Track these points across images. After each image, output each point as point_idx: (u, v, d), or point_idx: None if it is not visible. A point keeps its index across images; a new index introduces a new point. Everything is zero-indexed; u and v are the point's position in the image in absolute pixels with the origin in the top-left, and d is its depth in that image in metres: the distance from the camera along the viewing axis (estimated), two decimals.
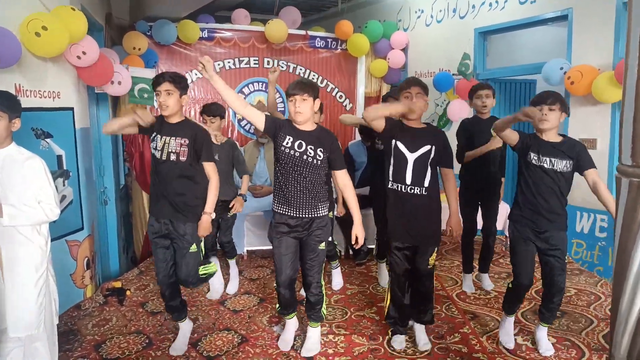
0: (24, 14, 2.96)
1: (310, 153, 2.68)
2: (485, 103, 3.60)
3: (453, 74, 5.44)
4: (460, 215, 2.96)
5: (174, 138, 2.80)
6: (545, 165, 2.61)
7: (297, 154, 2.68)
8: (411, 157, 2.74)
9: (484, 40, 5.39)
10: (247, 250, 4.85)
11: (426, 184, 2.76)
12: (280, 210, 2.79)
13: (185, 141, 2.80)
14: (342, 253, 4.85)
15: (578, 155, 2.60)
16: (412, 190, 2.75)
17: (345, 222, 4.69)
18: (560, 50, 4.62)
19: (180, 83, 2.80)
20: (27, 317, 2.31)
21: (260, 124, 2.70)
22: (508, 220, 2.91)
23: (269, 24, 5.58)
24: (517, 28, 5.09)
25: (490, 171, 3.67)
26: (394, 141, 2.76)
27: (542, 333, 2.91)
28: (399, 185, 2.77)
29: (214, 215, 2.95)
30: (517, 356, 2.86)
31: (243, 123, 5.87)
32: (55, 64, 3.33)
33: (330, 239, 3.47)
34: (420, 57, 6.12)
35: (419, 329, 3.00)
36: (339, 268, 4.09)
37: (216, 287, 3.87)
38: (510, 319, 3.00)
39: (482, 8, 5.27)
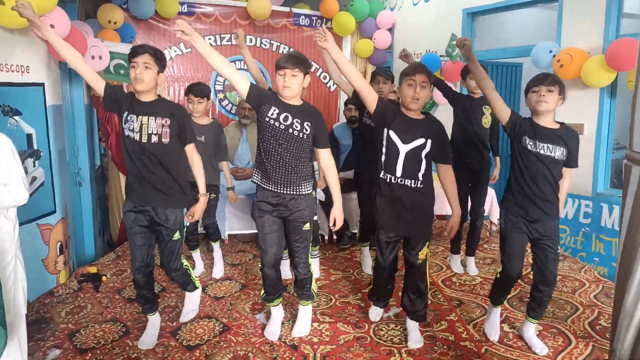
0: None
1: (296, 127, 2.56)
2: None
3: (440, 56, 5.34)
4: (446, 208, 2.90)
5: (153, 118, 2.57)
6: (542, 152, 2.50)
7: (282, 127, 2.55)
8: (403, 148, 2.59)
9: (472, 21, 5.28)
10: (228, 235, 4.73)
11: (420, 177, 2.63)
12: (263, 184, 2.68)
13: (166, 121, 2.59)
14: (326, 238, 4.78)
15: (572, 148, 2.53)
16: (402, 182, 2.63)
17: (329, 206, 4.59)
18: (550, 33, 4.55)
19: (160, 59, 2.59)
20: None
21: (244, 92, 2.55)
22: (498, 207, 2.83)
23: None
24: (507, 9, 4.98)
25: (480, 152, 3.61)
26: (386, 130, 2.62)
27: (531, 331, 2.81)
28: (390, 176, 2.65)
29: (207, 195, 2.82)
30: (503, 344, 2.82)
31: (224, 103, 5.69)
32: (23, 37, 3.12)
33: (315, 218, 3.39)
34: (407, 38, 5.99)
35: (412, 326, 2.88)
36: (318, 258, 3.98)
37: (198, 270, 3.82)
38: (497, 310, 2.91)
39: None
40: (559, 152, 2.50)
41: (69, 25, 3.27)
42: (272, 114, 2.55)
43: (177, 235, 2.74)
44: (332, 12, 5.84)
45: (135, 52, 2.54)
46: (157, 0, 5.04)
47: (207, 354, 2.71)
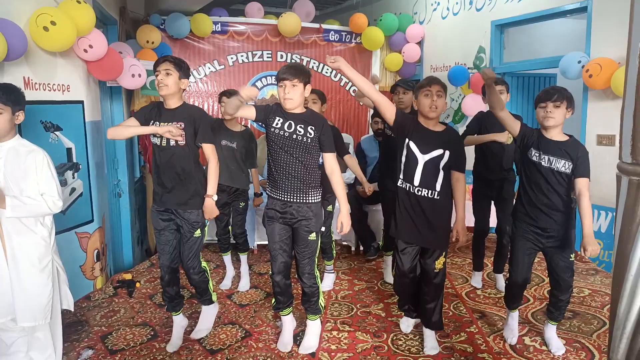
0: (32, 7, 2.99)
1: (300, 131, 2.64)
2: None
3: (469, 68, 5.33)
4: (467, 220, 2.91)
5: (170, 124, 2.75)
6: (543, 163, 2.55)
7: (286, 134, 2.64)
8: (422, 158, 2.66)
9: (500, 33, 5.26)
10: (257, 245, 4.86)
11: (438, 187, 2.67)
12: (271, 193, 2.78)
13: (181, 125, 2.75)
14: (353, 249, 4.83)
15: (578, 159, 2.52)
16: (420, 192, 2.68)
17: (355, 218, 4.65)
18: (580, 43, 4.48)
19: (180, 65, 2.77)
20: (35, 307, 2.34)
21: (252, 115, 2.68)
22: (510, 218, 2.85)
23: (282, 17, 5.55)
24: (535, 20, 4.95)
25: (504, 168, 3.59)
26: (406, 140, 2.69)
27: (552, 332, 2.84)
28: (408, 185, 2.71)
29: (216, 197, 2.90)
30: (523, 357, 2.79)
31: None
32: (64, 58, 3.36)
33: (323, 230, 3.43)
34: (436, 51, 6.02)
35: (428, 333, 2.91)
36: (334, 274, 4.01)
37: (229, 275, 4.02)
38: (514, 315, 2.94)
39: (499, 0, 5.14)
40: (560, 164, 2.52)
41: (106, 46, 3.49)
42: (277, 124, 2.65)
43: (197, 233, 2.88)
44: (361, 27, 5.94)
45: (157, 62, 2.76)
46: (192, 20, 5.28)
47: (228, 358, 2.81)
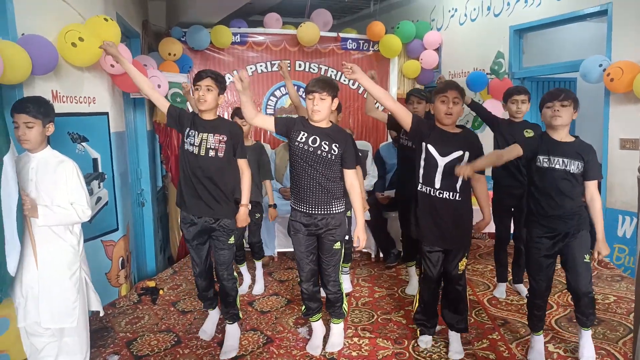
0: (61, 24, 3.10)
1: (324, 148, 2.69)
2: (520, 108, 3.52)
3: (487, 74, 5.32)
4: (489, 227, 2.92)
5: (212, 135, 2.84)
6: (558, 167, 2.53)
7: (311, 149, 2.69)
8: (442, 161, 2.68)
9: (519, 38, 5.25)
10: (277, 252, 4.90)
11: (458, 189, 2.70)
12: (295, 206, 2.83)
13: (223, 138, 2.85)
14: (373, 256, 4.84)
15: (589, 160, 2.51)
16: (442, 195, 2.70)
17: (375, 225, 4.67)
18: (600, 46, 4.45)
19: (220, 82, 2.87)
20: (62, 310, 2.41)
21: (271, 127, 2.76)
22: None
23: (301, 27, 5.63)
24: (554, 25, 4.92)
25: (520, 177, 3.56)
26: (424, 144, 2.71)
27: (585, 339, 2.72)
28: (429, 188, 2.73)
29: (249, 207, 3.02)
30: None
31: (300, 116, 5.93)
32: (90, 71, 3.47)
33: (347, 237, 3.48)
34: (454, 57, 6.02)
35: (454, 337, 2.92)
36: (348, 275, 4.07)
37: (246, 283, 4.07)
38: (539, 338, 2.81)
39: (517, 5, 5.13)
40: (574, 166, 2.52)
41: (130, 59, 3.59)
42: (301, 138, 2.71)
43: (231, 240, 2.96)
44: (378, 35, 5.98)
45: (199, 76, 2.84)
46: (212, 32, 5.39)
47: None
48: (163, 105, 2.94)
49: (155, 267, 4.97)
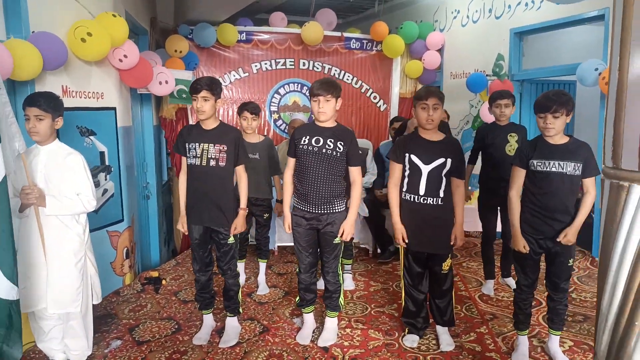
0: (71, 20, 3.23)
1: (329, 145, 2.82)
2: (504, 112, 3.64)
3: (487, 75, 5.40)
4: (475, 226, 2.99)
5: (212, 145, 2.92)
6: (554, 170, 2.57)
7: (315, 149, 2.82)
8: (425, 169, 2.80)
9: (519, 41, 5.33)
10: (277, 246, 5.02)
11: (441, 194, 2.81)
12: (298, 204, 2.94)
13: (224, 147, 2.93)
14: (370, 251, 4.95)
15: (586, 159, 2.56)
16: (426, 201, 2.82)
17: (373, 222, 4.78)
18: (598, 50, 4.52)
19: (215, 89, 2.93)
20: (67, 296, 2.55)
21: (293, 162, 2.96)
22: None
23: (305, 26, 5.72)
24: (553, 28, 5.00)
25: (505, 177, 3.66)
26: (407, 154, 2.83)
27: (555, 345, 2.83)
28: (413, 196, 2.84)
29: (247, 210, 3.08)
30: (531, 357, 2.86)
31: (279, 123, 6.04)
32: (99, 67, 3.60)
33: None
34: (456, 58, 6.11)
35: (442, 331, 3.04)
36: (351, 274, 4.14)
37: (241, 281, 4.06)
38: (523, 339, 2.87)
39: (517, 8, 5.21)
40: (570, 168, 2.55)
41: (138, 56, 3.72)
42: (304, 141, 2.85)
43: (231, 239, 3.05)
44: (382, 35, 6.07)
45: (195, 89, 2.89)
46: (218, 30, 5.50)
47: (246, 351, 2.97)
48: (291, 162, 3.00)
49: (159, 258, 5.11)
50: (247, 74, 5.87)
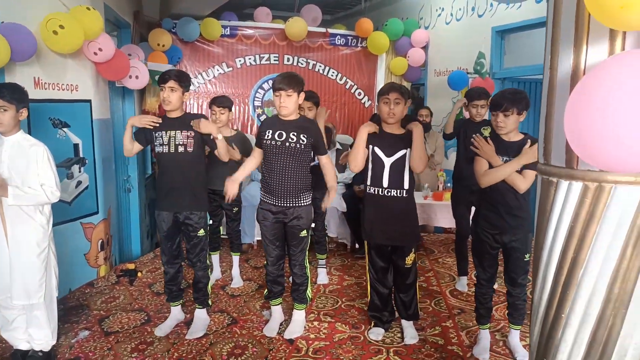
0: (45, 12, 3.23)
1: (292, 139, 2.85)
2: (479, 112, 3.72)
3: (469, 73, 5.43)
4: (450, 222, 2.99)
5: (179, 131, 2.97)
6: None
7: (278, 143, 2.85)
8: (388, 161, 2.84)
9: (501, 39, 5.35)
10: (257, 240, 5.05)
11: (405, 186, 2.85)
12: (264, 198, 2.97)
13: (191, 133, 2.97)
14: (349, 246, 4.98)
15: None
16: (390, 193, 2.85)
17: (351, 217, 4.81)
18: None
19: (183, 81, 2.97)
20: (30, 287, 2.57)
21: (259, 155, 3.00)
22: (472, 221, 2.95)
23: (290, 21, 5.74)
24: (535, 27, 5.01)
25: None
26: (371, 147, 2.87)
27: (516, 338, 2.88)
28: (377, 189, 2.87)
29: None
30: (492, 350, 2.90)
31: (262, 118, 6.06)
32: (74, 59, 3.62)
33: (313, 226, 3.65)
34: (440, 56, 6.13)
35: (406, 324, 3.08)
36: (325, 268, 4.16)
37: (214, 276, 4.09)
38: (485, 333, 2.93)
39: (499, 6, 5.22)
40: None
41: (113, 49, 3.73)
42: (268, 136, 2.88)
43: (201, 232, 3.09)
44: (367, 31, 6.09)
45: (163, 79, 2.94)
46: (202, 24, 5.52)
47: (212, 342, 3.01)
48: (258, 155, 3.03)
49: (140, 251, 5.12)
50: (231, 69, 5.89)
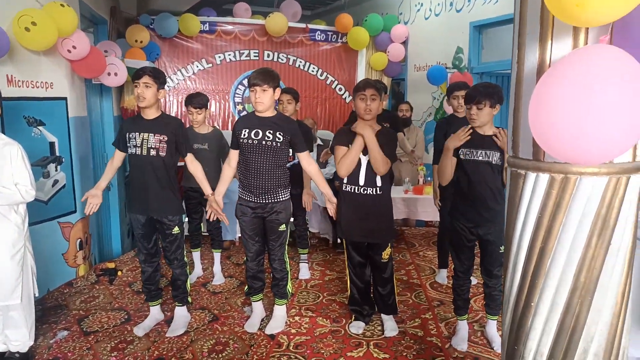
0: (17, 8, 3.18)
1: (269, 137, 2.84)
2: (461, 104, 3.67)
3: (447, 68, 5.48)
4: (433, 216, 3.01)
5: (152, 134, 2.91)
6: (481, 159, 2.66)
7: (255, 142, 2.84)
8: (364, 159, 2.86)
9: (479, 34, 5.40)
10: (238, 237, 5.04)
11: (379, 183, 2.87)
12: (243, 195, 2.97)
13: (164, 138, 2.92)
14: (331, 241, 5.01)
15: (503, 150, 2.65)
16: (366, 191, 2.87)
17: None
18: None
19: (158, 77, 2.92)
20: (6, 288, 2.54)
21: (236, 154, 2.98)
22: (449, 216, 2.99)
23: (270, 17, 5.71)
24: (511, 22, 5.04)
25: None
26: (348, 146, 2.88)
27: (493, 329, 2.93)
28: (353, 187, 2.89)
29: (211, 192, 3.02)
30: (471, 341, 2.95)
31: (243, 114, 6.03)
32: (48, 57, 3.56)
33: (293, 220, 3.69)
34: (420, 51, 6.17)
35: (386, 317, 3.12)
36: (307, 263, 4.18)
37: (196, 274, 4.11)
38: (463, 324, 2.98)
39: (477, 2, 5.28)
40: (496, 157, 2.64)
41: (88, 46, 3.68)
42: (244, 135, 2.87)
43: (176, 229, 3.06)
44: (346, 27, 6.10)
45: (137, 75, 2.90)
46: (180, 20, 5.47)
47: (193, 339, 3.00)
48: (234, 153, 3.01)
49: (121, 249, 5.08)
50: (210, 65, 5.85)
